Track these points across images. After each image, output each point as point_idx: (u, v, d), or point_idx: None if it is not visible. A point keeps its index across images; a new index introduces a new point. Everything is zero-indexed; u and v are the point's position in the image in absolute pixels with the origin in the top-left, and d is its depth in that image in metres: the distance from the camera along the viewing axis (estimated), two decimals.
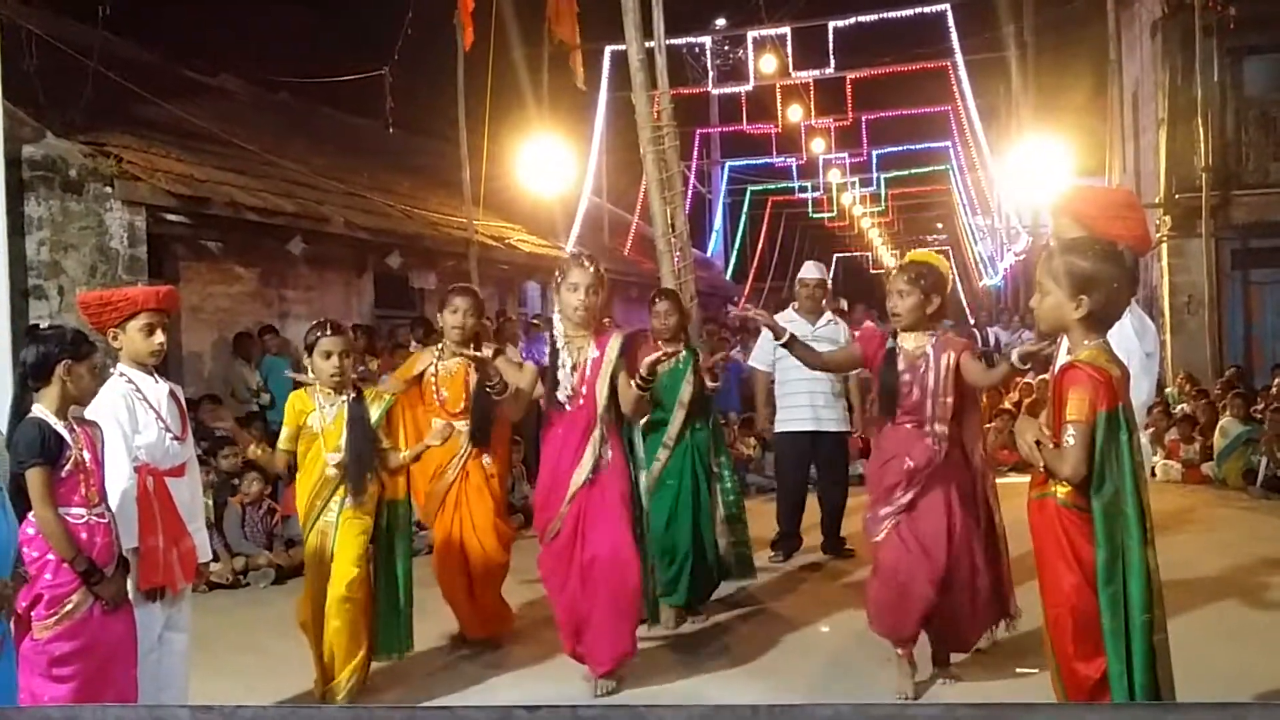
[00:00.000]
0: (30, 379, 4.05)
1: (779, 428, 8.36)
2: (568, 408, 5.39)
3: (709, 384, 6.65)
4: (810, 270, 8.50)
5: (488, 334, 6.66)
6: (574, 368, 5.38)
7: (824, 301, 8.34)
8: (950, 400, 5.05)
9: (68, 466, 3.99)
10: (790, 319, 8.31)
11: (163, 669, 4.57)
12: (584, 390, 5.37)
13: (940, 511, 5.05)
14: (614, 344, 5.41)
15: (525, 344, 5.88)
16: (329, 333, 5.31)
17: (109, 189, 9.65)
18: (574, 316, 5.38)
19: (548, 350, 5.47)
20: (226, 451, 8.75)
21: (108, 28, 11.59)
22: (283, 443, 5.43)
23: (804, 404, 8.11)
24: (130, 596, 4.29)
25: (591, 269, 5.38)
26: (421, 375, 6.21)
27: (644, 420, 6.81)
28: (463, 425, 6.12)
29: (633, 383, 5.34)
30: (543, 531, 5.48)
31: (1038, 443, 3.64)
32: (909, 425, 5.10)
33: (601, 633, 5.33)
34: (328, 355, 5.28)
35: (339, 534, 5.28)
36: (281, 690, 5.44)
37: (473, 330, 6.23)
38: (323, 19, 18.79)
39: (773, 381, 8.43)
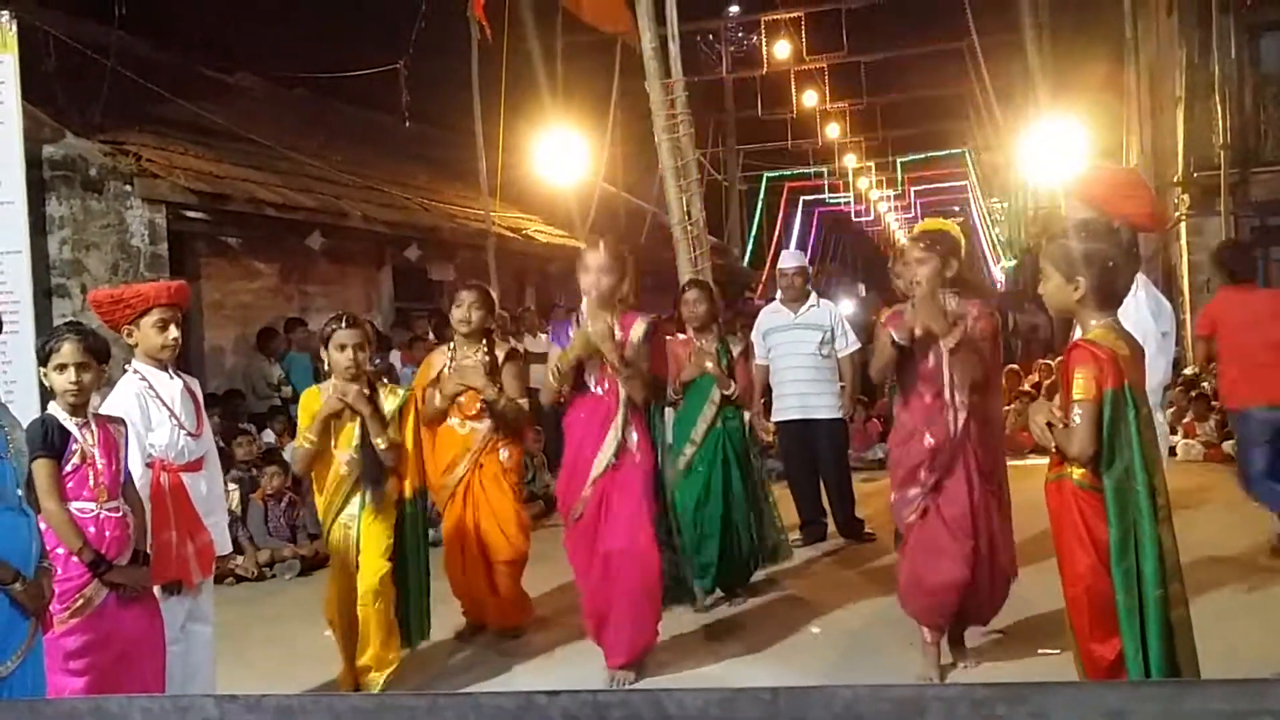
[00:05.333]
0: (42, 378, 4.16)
1: (775, 418, 8.38)
2: (595, 391, 5.39)
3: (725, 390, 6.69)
4: (787, 259, 8.44)
5: (502, 330, 6.71)
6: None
7: (806, 287, 8.28)
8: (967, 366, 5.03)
9: (73, 460, 4.04)
10: (775, 310, 8.32)
11: (189, 661, 4.63)
12: (609, 374, 5.37)
13: (964, 490, 5.03)
14: (638, 328, 5.39)
15: (553, 330, 5.92)
16: (344, 325, 5.32)
17: (129, 187, 9.71)
18: (587, 295, 5.39)
19: (573, 333, 5.46)
20: (241, 440, 8.85)
21: (125, 28, 11.64)
22: (300, 436, 5.43)
23: (790, 393, 8.13)
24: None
25: (604, 250, 5.37)
26: (439, 376, 6.22)
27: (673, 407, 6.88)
28: (478, 424, 6.15)
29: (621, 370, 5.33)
30: (566, 514, 5.51)
31: (1050, 424, 3.67)
32: (928, 396, 5.06)
33: (620, 626, 5.35)
34: (342, 348, 5.28)
35: (363, 531, 5.29)
36: (307, 681, 5.50)
37: (481, 325, 6.22)
38: (337, 14, 18.81)
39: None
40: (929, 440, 5.03)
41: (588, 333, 5.27)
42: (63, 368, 4.07)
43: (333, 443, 5.33)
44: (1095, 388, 3.55)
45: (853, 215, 40.65)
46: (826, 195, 35.14)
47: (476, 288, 6.41)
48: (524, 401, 6.20)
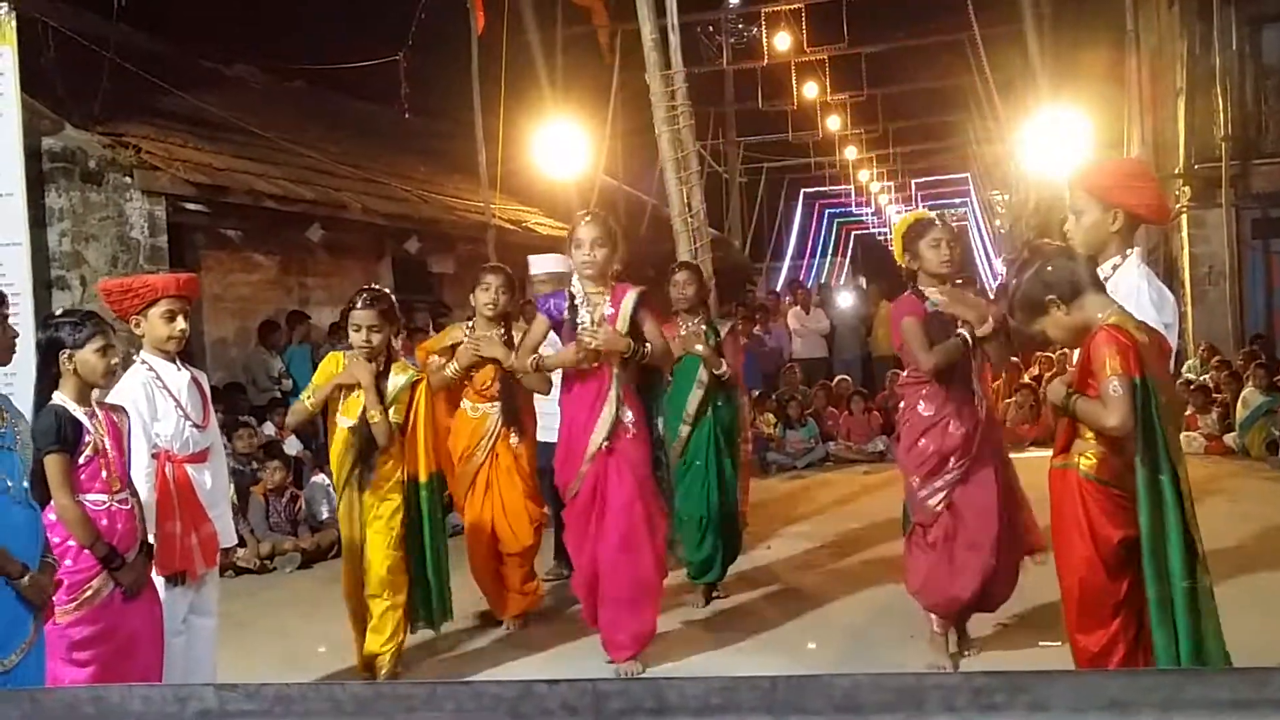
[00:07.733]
0: (46, 367, 4.07)
1: None
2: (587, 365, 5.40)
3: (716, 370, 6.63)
4: (535, 265, 7.71)
5: (519, 314, 6.69)
6: (593, 324, 5.37)
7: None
8: (980, 352, 5.02)
9: (86, 452, 4.00)
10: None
11: (191, 653, 4.61)
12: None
13: (990, 476, 5.02)
14: (628, 300, 5.37)
15: (543, 297, 5.87)
16: (360, 305, 5.32)
17: (128, 179, 9.69)
18: (582, 271, 5.39)
19: (566, 305, 5.46)
20: (242, 433, 8.83)
21: (124, 20, 11.61)
22: (304, 395, 5.47)
23: None
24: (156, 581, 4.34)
25: (595, 223, 5.39)
26: (453, 350, 6.22)
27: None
28: (490, 407, 6.17)
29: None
30: (563, 489, 5.51)
31: (1080, 400, 3.56)
32: (955, 385, 5.02)
33: (619, 619, 5.36)
34: (357, 328, 5.31)
35: (367, 518, 5.29)
36: (309, 673, 5.49)
37: (505, 308, 6.23)
38: (337, 6, 18.77)
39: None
40: (959, 428, 4.98)
41: (578, 358, 5.31)
42: (106, 349, 4.06)
43: (339, 409, 5.34)
44: (1128, 365, 3.45)
45: (853, 207, 40.60)
46: (828, 188, 35.03)
47: (502, 271, 6.39)
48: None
